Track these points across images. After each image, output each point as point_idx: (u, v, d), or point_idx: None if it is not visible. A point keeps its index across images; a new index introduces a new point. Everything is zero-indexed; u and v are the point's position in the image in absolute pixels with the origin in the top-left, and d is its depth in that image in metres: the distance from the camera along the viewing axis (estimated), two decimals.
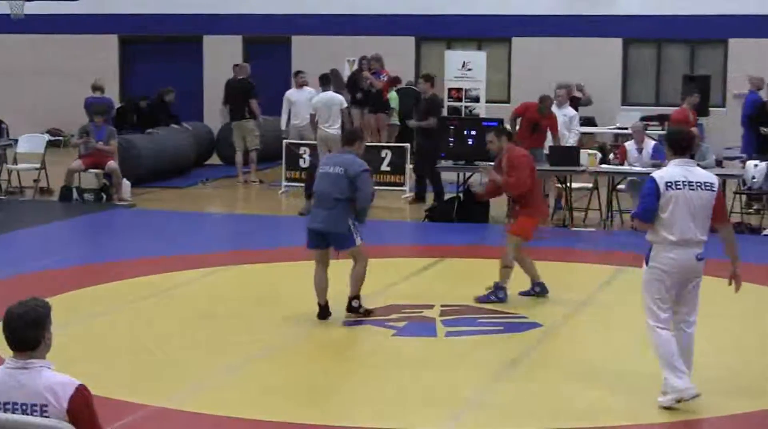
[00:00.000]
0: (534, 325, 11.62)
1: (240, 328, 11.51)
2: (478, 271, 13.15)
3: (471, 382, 9.69)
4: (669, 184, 8.67)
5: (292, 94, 22.12)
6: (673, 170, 8.78)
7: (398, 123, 23.69)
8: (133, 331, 11.49)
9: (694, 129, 17.97)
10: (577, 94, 23.59)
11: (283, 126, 22.02)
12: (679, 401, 8.75)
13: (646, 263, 8.82)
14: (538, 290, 12.70)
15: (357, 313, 11.76)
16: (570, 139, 18.93)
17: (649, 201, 8.71)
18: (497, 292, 12.41)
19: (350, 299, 11.79)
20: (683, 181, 8.68)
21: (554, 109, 19.24)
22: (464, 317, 11.97)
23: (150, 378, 9.76)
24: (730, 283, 8.93)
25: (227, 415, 8.72)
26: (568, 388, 9.55)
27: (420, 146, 20.11)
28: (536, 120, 18.29)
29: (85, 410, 5.43)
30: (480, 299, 12.41)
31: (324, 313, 11.69)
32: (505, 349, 10.87)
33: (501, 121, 18.19)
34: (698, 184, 8.70)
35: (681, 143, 8.91)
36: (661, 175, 8.79)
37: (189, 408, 8.88)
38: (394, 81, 24.70)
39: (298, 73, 22.48)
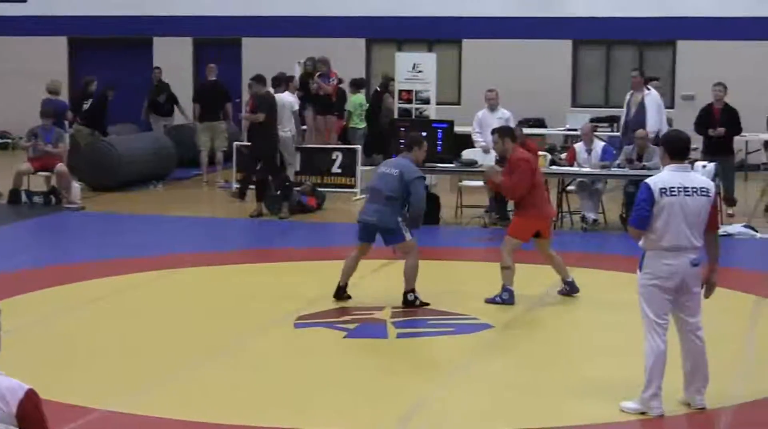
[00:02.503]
0: (485, 326, 11.66)
1: (188, 330, 11.50)
2: (427, 273, 13.14)
3: (421, 384, 9.72)
4: (663, 190, 8.48)
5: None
6: (669, 176, 8.58)
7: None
8: (82, 334, 11.43)
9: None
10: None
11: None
12: (642, 413, 8.70)
13: (640, 269, 8.63)
14: (568, 289, 12.85)
15: (413, 306, 12.24)
16: None
17: (644, 208, 8.49)
18: (502, 294, 12.52)
19: (405, 293, 12.30)
20: (679, 187, 8.47)
21: (487, 112, 19.04)
22: (415, 319, 12.02)
23: (99, 381, 9.71)
24: (702, 287, 8.70)
25: (172, 418, 8.70)
26: (517, 389, 9.60)
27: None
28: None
29: (35, 415, 5.38)
30: (487, 300, 12.53)
31: (340, 293, 12.44)
32: (456, 350, 10.92)
33: (451, 123, 18.26)
34: (694, 189, 8.51)
35: (679, 148, 8.70)
36: (655, 181, 8.58)
37: (138, 411, 8.85)
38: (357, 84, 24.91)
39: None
